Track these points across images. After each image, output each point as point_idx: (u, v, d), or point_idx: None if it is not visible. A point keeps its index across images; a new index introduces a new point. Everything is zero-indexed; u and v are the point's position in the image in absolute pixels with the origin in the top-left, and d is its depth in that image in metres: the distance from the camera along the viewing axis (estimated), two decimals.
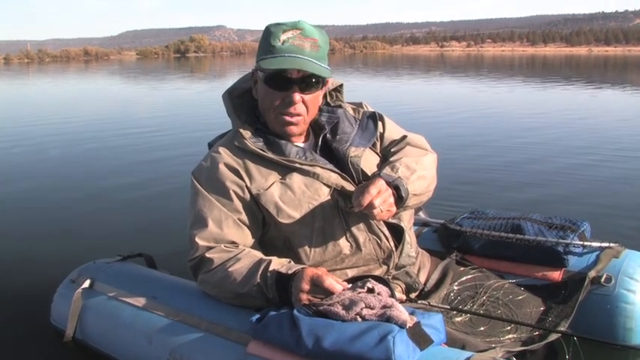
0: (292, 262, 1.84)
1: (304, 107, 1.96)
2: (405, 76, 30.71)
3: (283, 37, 1.88)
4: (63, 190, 5.84)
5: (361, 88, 20.15)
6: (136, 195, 5.65)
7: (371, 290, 1.66)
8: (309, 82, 1.92)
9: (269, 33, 1.91)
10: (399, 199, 1.87)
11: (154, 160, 7.57)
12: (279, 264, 1.80)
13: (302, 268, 1.73)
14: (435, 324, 1.60)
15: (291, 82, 1.90)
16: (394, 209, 1.87)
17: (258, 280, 1.77)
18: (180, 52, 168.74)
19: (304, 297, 1.66)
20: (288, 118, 1.95)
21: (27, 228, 4.52)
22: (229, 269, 1.84)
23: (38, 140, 9.30)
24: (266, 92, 1.95)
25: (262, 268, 1.79)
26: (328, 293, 1.65)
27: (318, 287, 1.66)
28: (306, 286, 1.67)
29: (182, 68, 50.41)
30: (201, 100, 17.81)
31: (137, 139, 9.19)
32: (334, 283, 1.66)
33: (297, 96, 1.92)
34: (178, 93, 20.82)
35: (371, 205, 1.77)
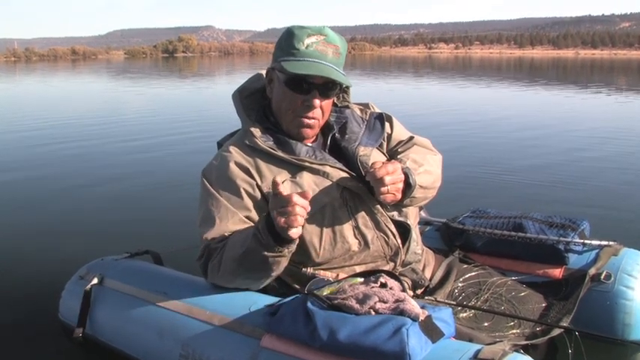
0: None
1: (320, 112, 2.00)
2: (395, 77, 30.75)
3: (307, 41, 1.92)
4: (68, 189, 5.86)
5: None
6: (140, 192, 5.71)
7: (384, 285, 1.70)
8: (329, 87, 1.97)
9: (292, 35, 1.94)
10: (407, 187, 1.92)
11: (157, 157, 7.64)
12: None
13: None
14: (445, 317, 1.64)
15: (312, 86, 1.94)
16: (399, 196, 1.91)
17: (254, 232, 1.75)
18: (168, 52, 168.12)
19: (276, 215, 1.65)
20: (305, 121, 1.99)
21: (32, 226, 4.54)
22: (229, 241, 1.86)
23: (43, 138, 9.29)
24: (285, 94, 1.98)
25: (257, 221, 1.79)
26: (289, 208, 1.63)
27: (277, 199, 1.65)
28: (271, 205, 1.67)
29: (172, 68, 50.23)
30: (205, 99, 17.95)
31: (144, 138, 9.20)
32: (284, 190, 1.66)
33: (317, 101, 1.96)
34: (179, 92, 20.90)
35: (382, 181, 1.82)
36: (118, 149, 8.21)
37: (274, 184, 1.65)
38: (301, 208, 1.64)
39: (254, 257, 1.77)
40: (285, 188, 1.94)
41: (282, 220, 1.64)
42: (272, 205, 1.67)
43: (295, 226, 1.65)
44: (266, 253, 1.74)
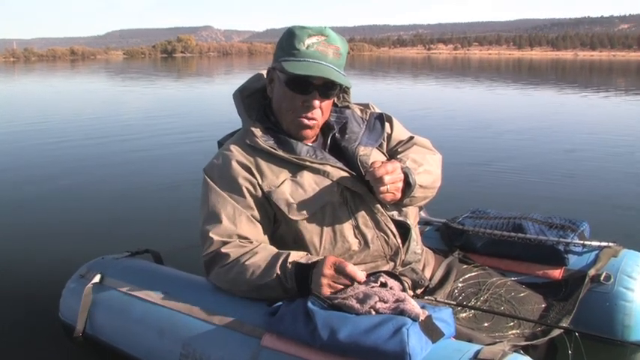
0: (309, 255, 1.89)
1: (320, 112, 2.00)
2: (394, 78, 30.76)
3: (308, 41, 1.92)
4: (68, 188, 5.86)
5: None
6: (140, 191, 5.71)
7: (384, 285, 1.71)
8: (329, 88, 1.97)
9: (293, 35, 1.94)
10: (407, 187, 1.93)
11: (157, 156, 7.65)
12: (298, 256, 1.84)
13: (324, 257, 1.78)
14: (445, 317, 1.65)
15: (312, 87, 1.94)
16: (399, 195, 1.92)
17: (278, 272, 1.80)
18: (167, 52, 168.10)
19: (325, 282, 1.70)
20: (305, 122, 2.00)
21: (32, 225, 4.53)
22: (246, 262, 1.87)
23: (43, 137, 9.27)
24: (285, 94, 1.98)
25: (281, 259, 1.83)
26: (349, 279, 1.69)
27: (340, 273, 1.70)
28: (328, 271, 1.70)
29: (171, 68, 50.21)
30: (203, 99, 18.04)
31: (143, 138, 9.19)
32: (356, 269, 1.70)
33: (317, 102, 1.96)
34: (178, 92, 20.94)
35: (381, 180, 1.83)
36: (117, 148, 8.21)
37: (355, 273, 1.69)
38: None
39: (271, 292, 1.85)
40: (286, 187, 1.96)
41: (329, 290, 1.70)
42: (330, 275, 1.71)
43: (331, 297, 1.70)
44: (285, 294, 1.81)
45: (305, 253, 1.90)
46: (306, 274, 1.77)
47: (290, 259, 1.82)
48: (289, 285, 1.80)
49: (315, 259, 1.81)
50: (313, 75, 1.91)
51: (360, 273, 1.70)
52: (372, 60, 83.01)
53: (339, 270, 1.70)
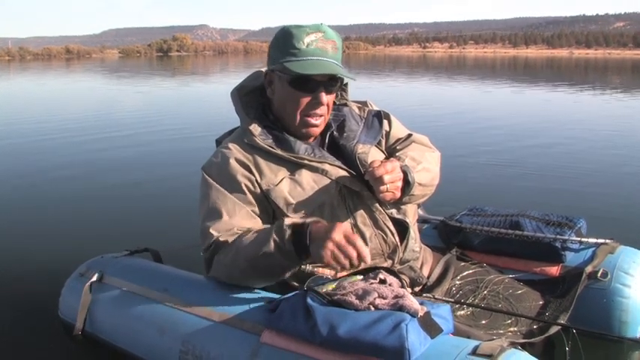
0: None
1: (326, 108, 2.02)
2: (391, 76, 30.76)
3: (307, 39, 1.93)
4: (67, 186, 5.86)
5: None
6: (139, 191, 5.70)
7: (383, 281, 1.72)
8: (333, 83, 1.99)
9: (291, 35, 1.94)
10: (406, 185, 1.94)
11: (155, 155, 7.68)
12: (292, 220, 1.78)
13: (333, 223, 1.71)
14: (443, 314, 1.66)
15: (318, 84, 1.95)
16: (398, 194, 1.92)
17: (274, 236, 1.74)
18: (162, 51, 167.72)
19: (331, 246, 1.62)
20: (313, 120, 2.01)
21: (32, 224, 4.54)
22: (244, 239, 1.85)
23: (41, 136, 9.26)
24: (290, 94, 1.99)
25: (277, 225, 1.77)
26: (353, 253, 1.62)
27: (350, 244, 1.63)
28: (338, 236, 1.63)
29: (167, 67, 50.09)
30: (200, 98, 18.04)
31: (142, 137, 9.18)
32: (363, 245, 1.64)
33: (324, 97, 1.97)
34: (174, 91, 20.95)
35: (381, 180, 1.83)
36: (115, 147, 8.20)
37: (362, 248, 1.63)
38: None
39: (268, 263, 1.78)
40: (284, 186, 1.96)
41: (330, 257, 1.63)
42: (338, 241, 1.63)
43: (332, 267, 1.67)
44: (284, 262, 1.76)
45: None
46: (303, 234, 1.70)
47: (286, 223, 1.75)
48: (287, 247, 1.71)
49: (310, 219, 1.76)
50: (322, 73, 1.92)
51: (366, 249, 1.64)
52: (368, 58, 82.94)
53: (350, 240, 1.63)
